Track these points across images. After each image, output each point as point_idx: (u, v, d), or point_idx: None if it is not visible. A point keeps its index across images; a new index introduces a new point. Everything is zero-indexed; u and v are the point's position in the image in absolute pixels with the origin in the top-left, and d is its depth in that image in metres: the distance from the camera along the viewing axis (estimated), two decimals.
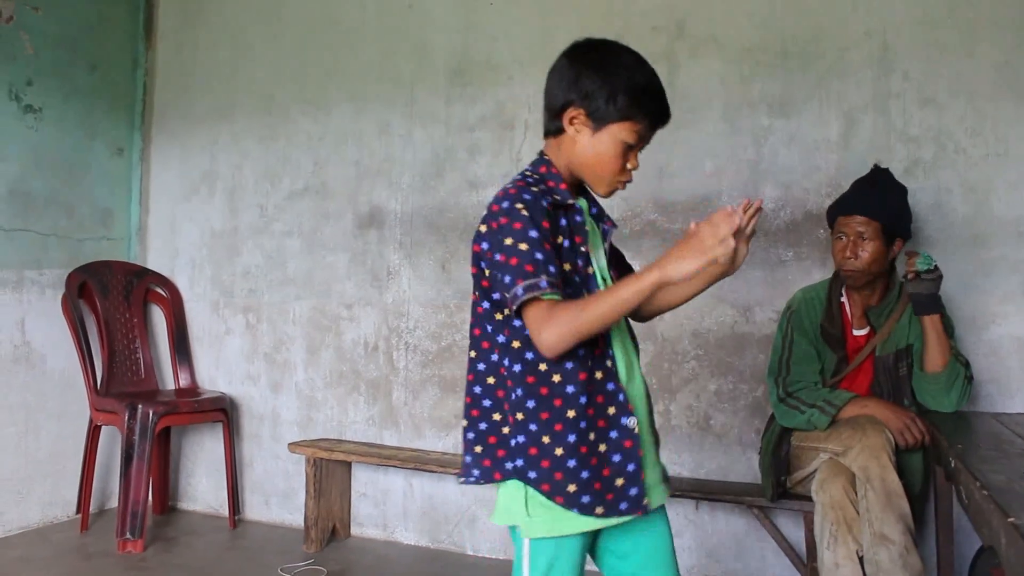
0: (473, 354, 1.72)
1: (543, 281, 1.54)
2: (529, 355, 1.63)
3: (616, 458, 1.64)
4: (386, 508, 4.12)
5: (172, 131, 4.79)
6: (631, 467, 1.65)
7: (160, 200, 4.81)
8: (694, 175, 3.60)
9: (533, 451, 1.62)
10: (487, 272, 1.64)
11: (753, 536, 3.41)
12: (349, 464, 4.14)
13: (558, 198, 1.68)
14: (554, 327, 1.52)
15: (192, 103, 4.76)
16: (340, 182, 4.32)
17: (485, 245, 1.63)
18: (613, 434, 1.65)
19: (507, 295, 1.57)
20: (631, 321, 1.91)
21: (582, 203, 1.77)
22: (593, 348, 1.66)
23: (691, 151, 3.60)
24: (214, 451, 4.51)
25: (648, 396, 1.85)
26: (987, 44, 3.20)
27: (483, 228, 1.64)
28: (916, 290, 2.71)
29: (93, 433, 4.13)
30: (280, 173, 4.48)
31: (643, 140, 1.74)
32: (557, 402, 1.62)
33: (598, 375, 1.66)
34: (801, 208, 3.42)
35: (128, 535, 3.77)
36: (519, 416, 1.63)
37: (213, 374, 4.61)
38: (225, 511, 4.36)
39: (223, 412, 4.26)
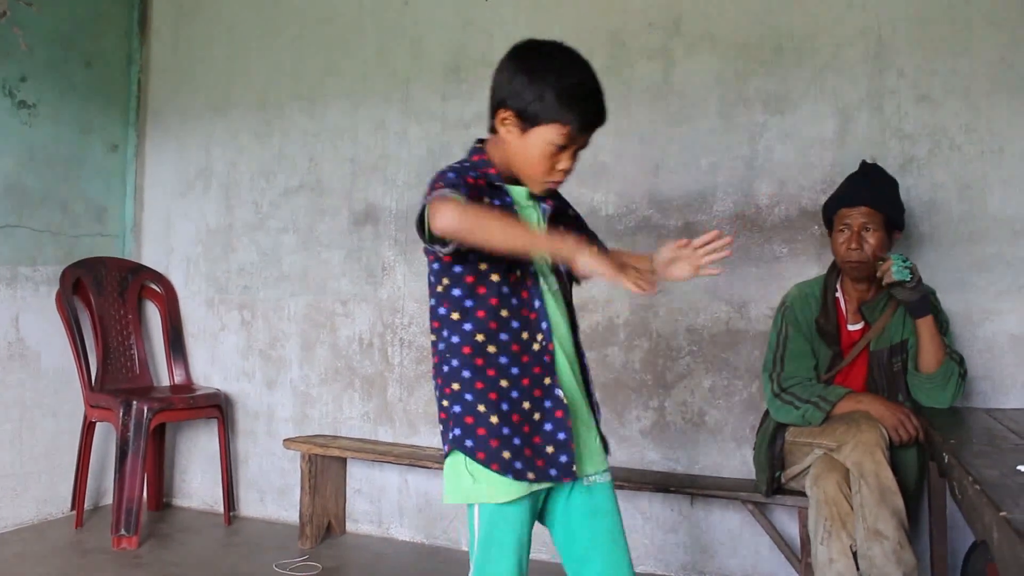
0: (433, 337, 1.82)
1: (448, 190, 1.62)
2: (467, 327, 1.72)
3: (548, 427, 1.73)
4: (381, 504, 4.12)
5: (167, 127, 4.78)
6: (561, 435, 1.73)
7: (155, 196, 4.80)
8: (689, 171, 3.61)
9: (469, 420, 1.71)
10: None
11: (748, 531, 3.41)
12: (344, 460, 4.13)
13: (484, 179, 1.77)
14: (453, 216, 1.56)
15: (187, 99, 4.75)
16: (335, 179, 4.32)
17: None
18: (547, 403, 1.74)
19: (422, 214, 1.65)
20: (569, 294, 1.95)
21: (514, 189, 1.83)
22: (528, 325, 1.74)
23: (686, 147, 3.60)
24: (209, 448, 4.51)
25: (585, 368, 1.91)
26: (983, 41, 3.20)
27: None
28: (902, 297, 2.72)
29: (88, 430, 4.13)
30: (275, 170, 4.48)
31: (574, 142, 1.77)
32: (491, 372, 1.72)
33: (535, 348, 1.75)
34: (796, 204, 3.43)
35: (123, 531, 3.76)
36: (455, 387, 1.73)
37: (208, 371, 4.61)
38: (220, 508, 4.35)
39: (218, 409, 4.26)
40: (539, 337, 1.76)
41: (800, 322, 2.97)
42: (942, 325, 2.85)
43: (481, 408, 1.71)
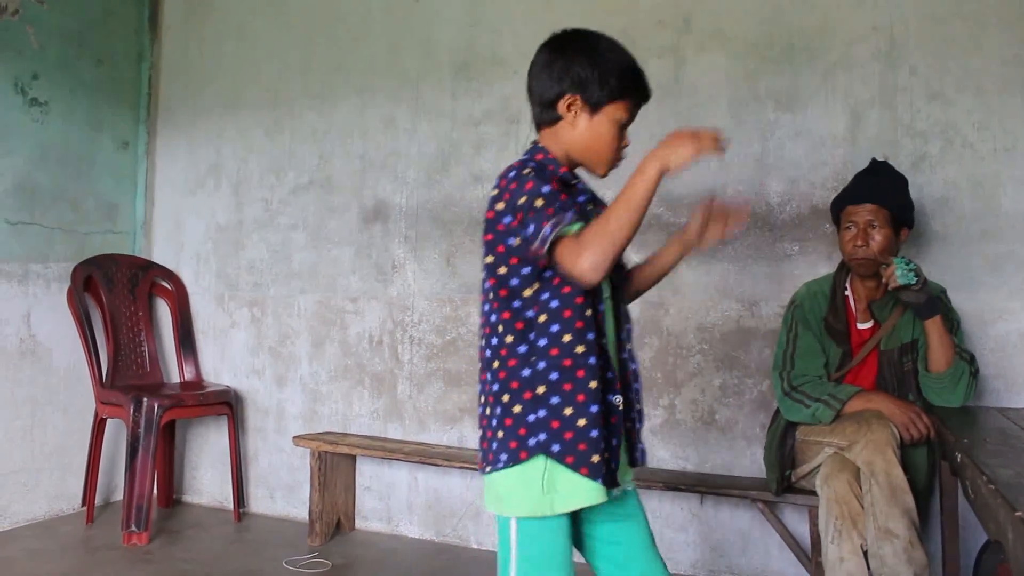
0: (482, 341, 1.76)
1: (568, 215, 1.59)
2: (555, 327, 1.67)
3: (605, 431, 1.68)
4: (391, 502, 4.12)
5: (177, 125, 4.80)
6: (614, 441, 1.71)
7: (165, 194, 4.82)
8: (700, 169, 3.58)
9: (555, 424, 1.65)
10: (513, 243, 1.67)
11: (758, 530, 3.40)
12: (354, 458, 4.14)
13: (559, 176, 1.74)
14: (589, 250, 1.55)
15: (197, 97, 4.77)
16: (345, 176, 4.32)
17: (507, 219, 1.66)
18: (604, 408, 1.69)
19: (535, 243, 1.60)
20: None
21: (584, 185, 1.84)
22: (600, 327, 1.71)
23: None
24: (219, 444, 4.52)
25: (637, 376, 1.88)
26: (995, 38, 3.19)
27: (500, 206, 1.68)
28: (908, 300, 2.70)
29: (98, 426, 4.14)
30: (285, 167, 4.48)
31: (632, 118, 1.83)
32: (580, 373, 1.66)
33: (605, 352, 1.72)
34: (807, 202, 3.42)
35: (133, 528, 3.78)
36: (539, 390, 1.66)
37: (218, 367, 4.62)
38: (230, 504, 4.36)
39: (228, 405, 4.27)
40: (603, 340, 1.74)
41: (810, 320, 2.96)
42: (953, 324, 2.83)
43: (568, 411, 1.66)
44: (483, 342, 1.77)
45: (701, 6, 3.63)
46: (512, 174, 1.68)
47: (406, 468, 4.07)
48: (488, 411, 1.73)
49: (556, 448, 1.64)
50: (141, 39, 4.85)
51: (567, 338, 1.67)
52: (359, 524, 4.17)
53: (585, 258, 1.56)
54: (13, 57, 4.05)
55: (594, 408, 1.65)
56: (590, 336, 1.68)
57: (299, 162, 4.45)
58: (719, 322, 3.54)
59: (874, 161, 2.99)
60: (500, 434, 1.69)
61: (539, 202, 1.61)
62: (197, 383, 4.51)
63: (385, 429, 4.15)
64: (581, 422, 1.65)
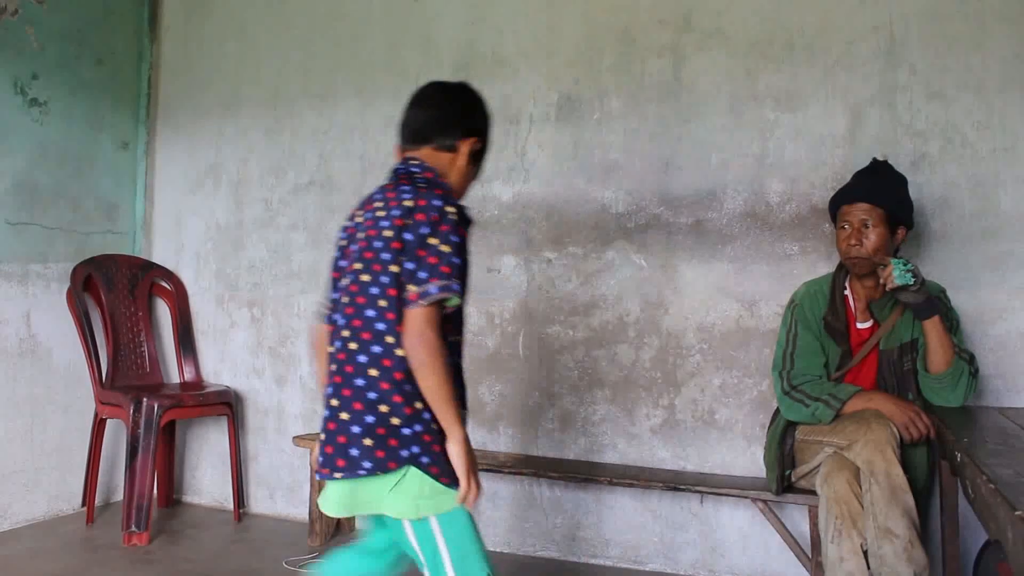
0: (354, 345, 1.85)
1: (456, 284, 1.79)
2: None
3: None
4: None
5: (177, 125, 4.79)
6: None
7: (165, 194, 4.81)
8: (700, 169, 3.60)
9: (427, 438, 1.82)
10: (407, 267, 1.81)
11: (758, 530, 3.40)
12: None
13: (463, 210, 1.94)
14: (436, 345, 1.76)
15: (197, 97, 4.76)
16: (346, 176, 4.32)
17: (409, 236, 1.82)
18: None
19: (415, 287, 1.77)
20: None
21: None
22: (461, 350, 1.98)
23: (697, 145, 3.60)
24: (219, 444, 4.52)
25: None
26: (996, 37, 3.19)
27: (420, 217, 1.83)
28: (906, 300, 2.70)
29: (98, 426, 4.14)
30: (285, 167, 4.48)
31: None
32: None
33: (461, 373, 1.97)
34: (807, 202, 3.41)
35: (134, 528, 3.78)
36: (417, 405, 1.80)
37: (218, 368, 4.62)
38: (230, 504, 4.36)
39: (228, 406, 4.27)
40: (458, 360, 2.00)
41: (809, 320, 2.96)
42: (952, 324, 2.83)
43: (435, 427, 1.82)
44: (355, 345, 1.84)
45: (701, 4, 3.63)
46: (437, 203, 1.85)
47: None
48: (356, 415, 1.82)
49: (425, 460, 1.81)
50: (141, 39, 4.85)
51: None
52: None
53: (419, 346, 1.75)
54: (13, 57, 4.05)
55: (436, 425, 1.83)
56: (458, 360, 1.97)
57: (299, 162, 4.44)
58: (719, 322, 3.54)
59: (874, 160, 2.99)
60: (367, 441, 1.80)
61: (445, 249, 1.80)
62: (197, 383, 4.51)
63: None
64: (441, 438, 1.84)
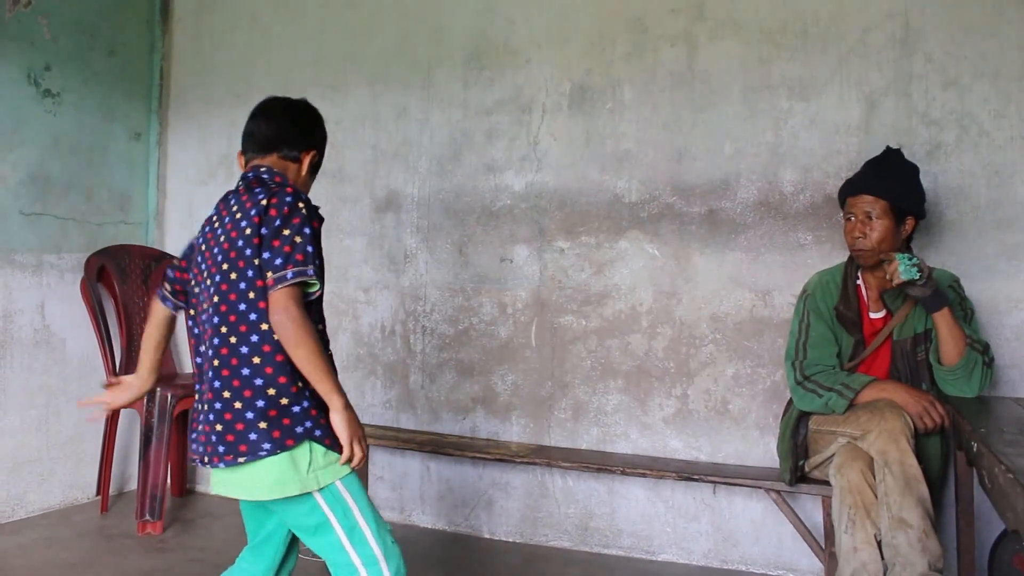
0: (234, 339, 1.96)
1: (310, 270, 1.92)
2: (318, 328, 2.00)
3: None
4: (403, 491, 4.13)
5: (189, 115, 4.80)
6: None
7: (177, 184, 4.82)
8: (713, 158, 3.58)
9: (315, 412, 1.96)
10: (265, 256, 1.94)
11: (771, 520, 3.40)
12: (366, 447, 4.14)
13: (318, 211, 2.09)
14: (301, 320, 1.89)
15: (209, 87, 4.76)
16: (357, 166, 4.32)
17: (265, 230, 1.95)
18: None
19: (272, 275, 1.91)
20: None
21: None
22: (326, 339, 2.10)
23: (710, 134, 3.58)
24: None
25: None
26: (1013, 24, 3.16)
27: (273, 212, 1.96)
28: (914, 294, 2.68)
29: (112, 416, 4.16)
30: None
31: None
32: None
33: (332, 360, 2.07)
34: (821, 191, 3.40)
35: (147, 517, 3.79)
36: (299, 383, 1.95)
37: None
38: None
39: None
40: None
41: (822, 310, 2.95)
42: (967, 313, 2.82)
43: (320, 400, 1.97)
44: (235, 338, 1.95)
45: None
46: (289, 199, 1.98)
47: (419, 458, 4.07)
48: (247, 402, 1.93)
49: (319, 433, 1.96)
50: (153, 30, 4.85)
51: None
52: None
53: (284, 321, 1.88)
54: (26, 48, 4.06)
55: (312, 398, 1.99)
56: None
57: None
58: (732, 312, 3.53)
59: (887, 149, 2.96)
60: (262, 424, 1.92)
61: (298, 239, 1.93)
62: None
63: (397, 419, 4.15)
64: (314, 411, 1.98)
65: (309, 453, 1.94)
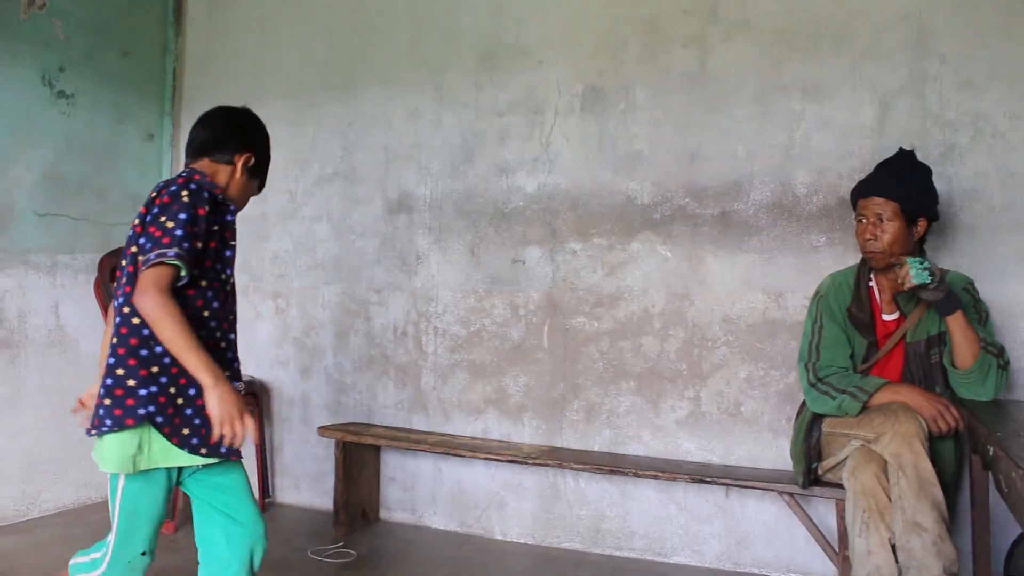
0: (113, 321, 2.09)
1: (172, 251, 1.96)
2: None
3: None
4: (415, 492, 4.13)
5: None
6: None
7: None
8: (725, 160, 3.58)
9: (162, 400, 2.02)
10: (142, 240, 2.03)
11: (784, 523, 3.39)
12: (378, 448, 4.15)
13: (218, 198, 2.17)
14: (160, 300, 1.93)
15: (221, 88, 4.77)
16: (369, 167, 4.32)
17: (148, 218, 2.05)
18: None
19: (141, 256, 1.99)
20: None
21: (235, 208, 2.28)
22: (223, 326, 2.17)
23: (722, 135, 3.57)
24: None
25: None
26: None
27: (155, 209, 2.05)
28: (926, 298, 2.67)
29: None
30: (309, 158, 4.49)
31: (256, 193, 2.42)
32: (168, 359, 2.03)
33: (222, 346, 2.16)
34: (834, 193, 3.38)
35: (174, 516, 3.81)
36: (153, 370, 2.02)
37: (243, 358, 4.59)
38: (255, 494, 4.37)
39: (253, 396, 4.29)
40: (231, 337, 2.22)
41: (834, 311, 2.94)
42: (981, 316, 2.81)
43: (172, 391, 2.04)
44: (112, 321, 2.09)
45: None
46: (173, 188, 2.07)
47: (430, 459, 4.07)
48: (102, 380, 2.04)
49: (159, 420, 2.01)
50: (165, 31, 4.87)
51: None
52: (383, 515, 4.19)
53: (154, 299, 1.93)
54: (40, 49, 4.08)
55: (192, 391, 2.03)
56: (202, 333, 2.05)
57: (323, 153, 4.45)
58: (745, 314, 3.52)
59: (899, 151, 2.95)
60: (107, 401, 2.00)
61: (170, 224, 1.99)
62: None
63: (409, 420, 4.16)
64: (179, 401, 2.04)
65: (141, 437, 2.01)
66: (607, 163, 3.78)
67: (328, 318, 4.40)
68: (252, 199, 4.66)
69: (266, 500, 4.34)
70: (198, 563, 2.25)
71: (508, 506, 3.91)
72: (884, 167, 2.91)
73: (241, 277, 4.63)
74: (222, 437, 1.99)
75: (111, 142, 4.50)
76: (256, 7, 4.71)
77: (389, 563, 3.60)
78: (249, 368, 4.59)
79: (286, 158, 4.55)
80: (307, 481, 4.41)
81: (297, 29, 4.56)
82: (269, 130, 4.58)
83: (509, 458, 3.58)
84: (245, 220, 4.59)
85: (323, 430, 3.99)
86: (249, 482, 2.30)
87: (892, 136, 3.28)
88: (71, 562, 2.24)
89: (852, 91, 3.38)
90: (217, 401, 1.94)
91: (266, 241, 4.59)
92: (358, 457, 4.00)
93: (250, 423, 1.98)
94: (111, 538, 2.11)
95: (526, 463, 3.58)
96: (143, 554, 2.12)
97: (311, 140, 4.49)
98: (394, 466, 4.18)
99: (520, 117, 3.97)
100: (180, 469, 2.15)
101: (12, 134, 3.98)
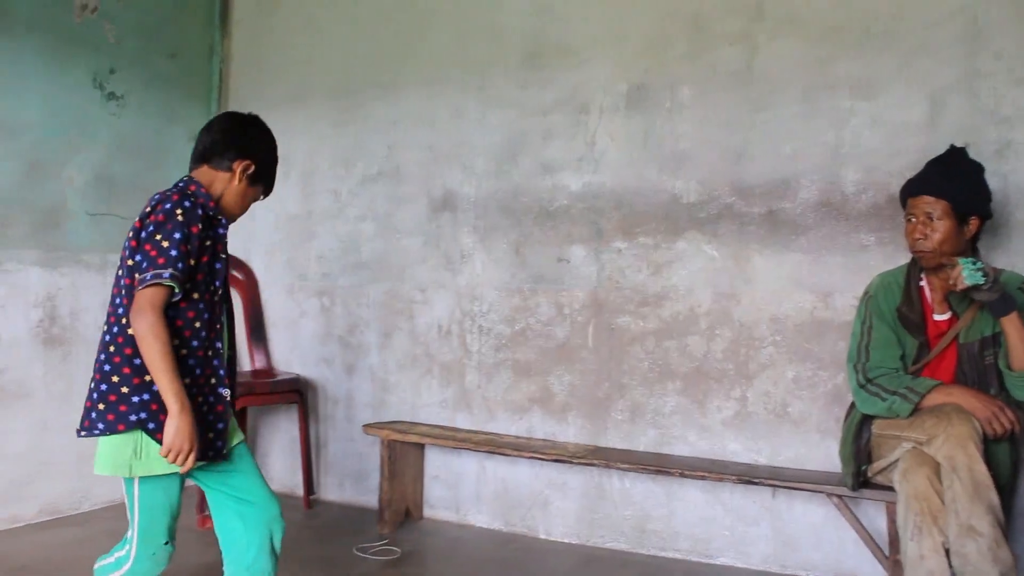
0: (105, 328, 2.15)
1: (167, 273, 2.02)
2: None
3: (211, 417, 2.19)
4: (459, 491, 4.14)
5: None
6: (220, 425, 2.21)
7: None
8: (772, 158, 3.54)
9: (154, 407, 2.06)
10: (136, 256, 2.09)
11: (832, 526, 3.35)
12: (422, 446, 4.17)
13: (210, 212, 2.21)
14: (152, 322, 2.00)
15: (267, 89, 4.82)
16: (414, 166, 4.34)
17: (143, 234, 2.09)
18: (212, 399, 2.20)
19: (137, 275, 2.05)
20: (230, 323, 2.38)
21: (226, 221, 2.31)
22: (210, 335, 2.19)
23: (769, 134, 3.54)
24: (289, 432, 4.58)
25: (234, 374, 2.40)
26: None
27: (149, 224, 2.09)
28: (980, 299, 2.63)
29: None
30: (354, 158, 4.52)
31: (262, 198, 2.43)
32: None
33: (210, 354, 2.20)
34: (884, 192, 3.34)
35: (207, 512, 3.83)
36: (146, 378, 2.06)
37: (288, 356, 4.68)
38: (300, 491, 4.42)
39: (298, 394, 4.33)
40: (217, 347, 2.23)
41: (884, 311, 2.91)
42: None
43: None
44: (105, 328, 2.15)
45: None
46: (168, 206, 2.10)
47: (475, 457, 4.08)
48: (95, 384, 2.12)
49: (152, 426, 2.07)
50: (212, 33, 4.93)
51: (174, 342, 2.07)
52: (427, 513, 4.20)
53: (147, 321, 2.00)
54: (92, 52, 4.15)
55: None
56: (194, 343, 2.14)
57: (368, 153, 4.48)
58: (792, 313, 3.49)
59: (950, 148, 2.90)
60: (101, 406, 2.09)
61: (165, 243, 2.05)
62: (268, 371, 4.58)
63: (453, 418, 4.17)
64: (155, 406, 2.08)
65: (136, 442, 2.08)
66: (652, 162, 3.76)
67: (373, 316, 4.43)
68: (295, 199, 4.78)
69: (310, 497, 4.37)
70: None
71: (552, 505, 3.91)
72: (934, 164, 2.87)
73: (286, 276, 4.69)
74: (212, 441, 2.17)
75: (159, 142, 4.56)
76: (301, 8, 4.75)
77: (433, 561, 3.61)
78: (294, 366, 4.63)
79: (331, 158, 4.59)
80: (351, 479, 4.44)
81: (341, 29, 4.59)
82: (313, 130, 4.69)
83: (554, 457, 3.57)
84: (290, 220, 4.66)
85: (368, 428, 4.01)
86: (257, 465, 2.37)
87: (944, 133, 3.22)
88: (96, 567, 2.29)
89: (902, 88, 3.33)
90: (174, 431, 2.01)
91: (311, 240, 4.63)
92: (403, 455, 4.02)
93: (191, 461, 2.04)
94: (132, 535, 2.18)
95: (571, 462, 3.58)
96: (165, 544, 2.20)
97: (356, 140, 4.52)
98: (438, 464, 4.19)
99: (564, 116, 3.96)
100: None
101: (65, 136, 4.06)
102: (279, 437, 4.67)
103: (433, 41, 4.32)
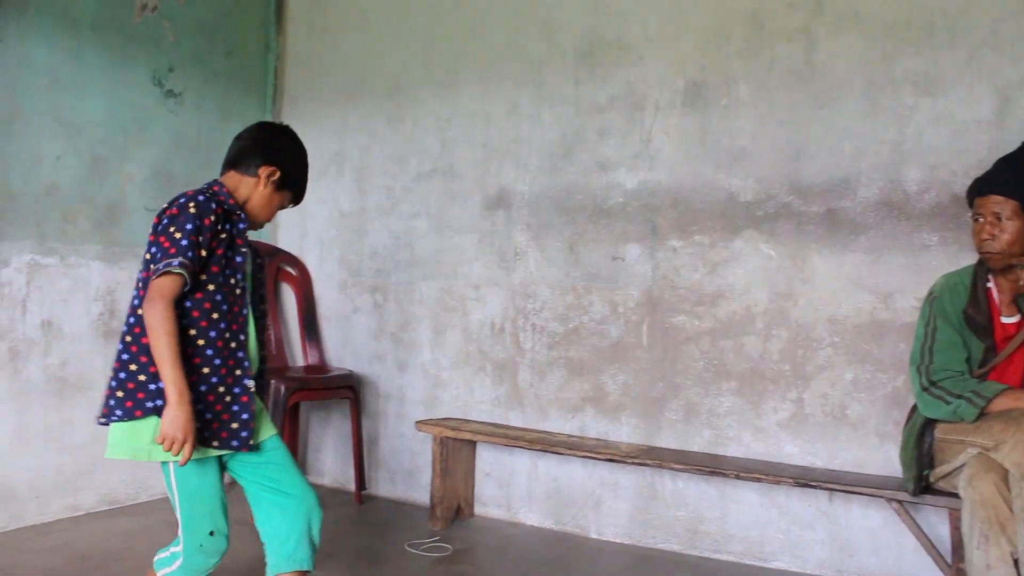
0: (126, 318, 2.20)
1: (176, 262, 2.08)
2: (183, 321, 2.13)
3: (236, 408, 2.22)
4: (510, 489, 4.14)
5: (302, 114, 4.89)
6: (245, 416, 2.23)
7: None
8: (832, 156, 3.48)
9: None
10: (153, 249, 2.16)
11: (891, 531, 3.29)
12: (474, 444, 4.17)
13: (226, 207, 2.26)
14: (160, 310, 2.04)
15: (321, 86, 4.86)
16: (468, 163, 4.34)
17: (159, 228, 2.16)
18: (236, 390, 2.22)
19: (151, 265, 2.12)
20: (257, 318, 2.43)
21: (246, 218, 2.35)
22: (232, 327, 2.23)
23: (829, 131, 3.48)
24: (342, 427, 4.61)
25: (262, 364, 2.44)
26: None
27: (167, 213, 2.17)
28: None
29: None
30: (408, 155, 4.53)
31: (291, 206, 2.52)
32: (196, 360, 2.15)
33: (233, 345, 2.23)
34: (947, 191, 3.26)
35: None
36: None
37: (341, 352, 4.72)
38: (351, 486, 4.45)
39: (351, 389, 4.35)
40: (241, 339, 2.26)
41: (949, 313, 2.84)
42: None
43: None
44: (126, 318, 2.21)
45: None
46: (183, 201, 2.17)
47: (527, 456, 4.08)
48: (114, 373, 2.17)
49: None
50: (268, 31, 4.98)
51: (191, 332, 2.15)
52: (478, 510, 4.21)
53: (158, 309, 2.05)
54: (152, 51, 4.21)
55: (202, 388, 2.15)
56: (212, 333, 2.18)
57: (421, 150, 4.49)
58: (851, 314, 3.43)
59: (1021, 146, 2.83)
60: (120, 393, 2.13)
61: (178, 235, 2.11)
62: (321, 367, 4.61)
63: (506, 416, 4.17)
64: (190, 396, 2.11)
65: (154, 428, 2.09)
66: (709, 159, 3.72)
67: (425, 313, 4.44)
68: (349, 195, 4.81)
69: (361, 492, 4.40)
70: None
71: (604, 505, 3.89)
72: (1004, 163, 2.80)
73: (339, 272, 4.72)
74: (237, 431, 2.21)
75: (215, 139, 4.60)
76: (356, 6, 4.77)
77: (485, 558, 3.62)
78: (347, 362, 4.66)
79: (385, 154, 4.60)
80: (402, 475, 4.46)
81: (396, 27, 4.61)
82: (367, 127, 4.71)
83: (607, 457, 3.55)
84: (344, 216, 4.69)
85: (420, 424, 4.03)
86: (291, 455, 2.42)
87: (1012, 131, 3.14)
88: (155, 559, 2.36)
89: (968, 84, 3.25)
90: (169, 420, 2.03)
91: (364, 236, 4.65)
92: (455, 452, 4.03)
93: (187, 452, 2.05)
94: (180, 527, 2.24)
95: (624, 462, 3.56)
96: (211, 534, 2.24)
97: (410, 137, 4.53)
98: (490, 462, 4.19)
99: (620, 113, 3.93)
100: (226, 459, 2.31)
101: (125, 133, 4.12)
102: (331, 432, 4.71)
103: (487, 38, 4.32)
